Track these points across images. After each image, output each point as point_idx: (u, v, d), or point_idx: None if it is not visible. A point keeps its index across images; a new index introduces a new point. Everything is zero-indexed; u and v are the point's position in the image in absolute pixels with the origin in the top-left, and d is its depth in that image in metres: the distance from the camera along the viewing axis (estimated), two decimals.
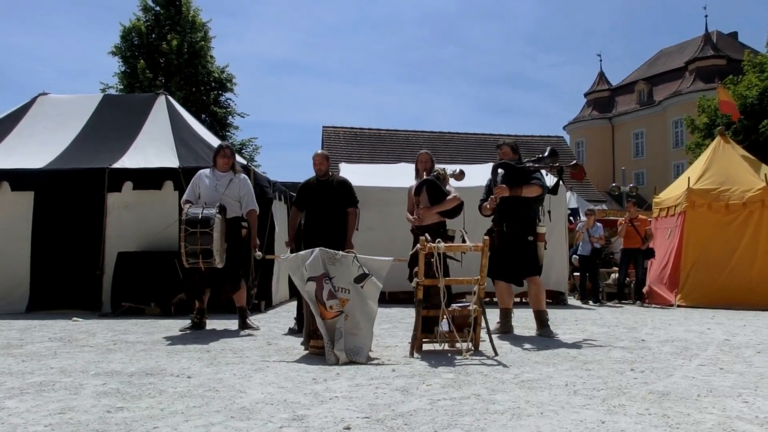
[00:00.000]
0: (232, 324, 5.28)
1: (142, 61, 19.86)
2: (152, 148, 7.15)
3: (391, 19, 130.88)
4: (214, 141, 7.68)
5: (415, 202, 4.85)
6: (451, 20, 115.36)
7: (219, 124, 21.71)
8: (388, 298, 7.85)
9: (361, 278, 3.61)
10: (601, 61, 56.10)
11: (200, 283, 5.07)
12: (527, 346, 4.17)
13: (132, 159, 6.96)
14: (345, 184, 5.14)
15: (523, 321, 5.43)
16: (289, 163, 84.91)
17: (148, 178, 6.76)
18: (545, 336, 4.68)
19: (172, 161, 6.83)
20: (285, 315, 6.49)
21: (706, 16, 50.49)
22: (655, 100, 38.75)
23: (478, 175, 8.84)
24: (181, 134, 7.45)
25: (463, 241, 4.27)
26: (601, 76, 43.21)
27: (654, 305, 8.83)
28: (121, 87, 20.61)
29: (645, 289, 9.29)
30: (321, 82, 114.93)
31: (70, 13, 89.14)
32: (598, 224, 9.98)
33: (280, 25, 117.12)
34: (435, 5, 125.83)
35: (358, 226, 5.13)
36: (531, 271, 4.77)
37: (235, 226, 5.06)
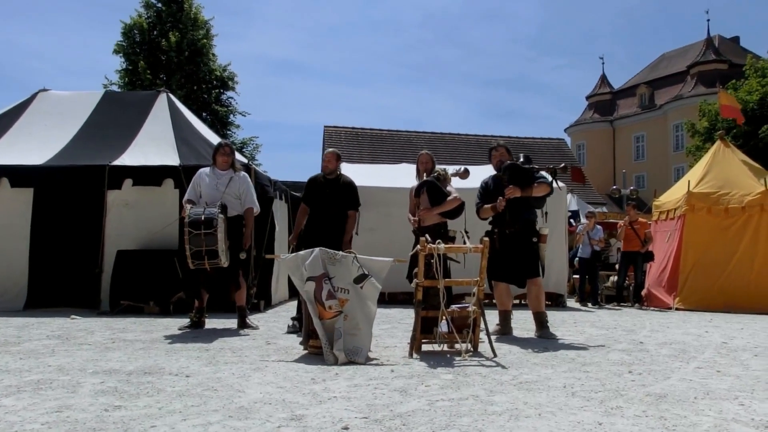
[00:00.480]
0: (231, 323, 5.28)
1: (142, 62, 19.85)
2: (153, 145, 7.14)
3: (393, 20, 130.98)
4: (215, 139, 7.65)
5: (416, 203, 4.84)
6: (453, 22, 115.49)
7: (220, 123, 21.70)
8: (388, 299, 7.86)
9: (360, 279, 3.61)
10: (603, 64, 56.18)
11: (205, 283, 5.06)
12: (526, 347, 4.17)
13: (132, 156, 6.94)
14: (350, 186, 5.14)
15: (522, 322, 5.44)
16: (290, 163, 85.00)
17: (148, 176, 6.74)
18: (544, 337, 4.69)
19: (172, 159, 6.82)
20: (284, 315, 6.49)
21: (708, 20, 50.36)
22: (656, 104, 38.80)
23: (478, 176, 8.84)
24: (182, 132, 7.43)
25: (464, 242, 4.27)
26: (603, 79, 43.25)
27: (652, 308, 8.84)
28: (123, 84, 20.60)
29: (644, 292, 9.30)
30: (322, 82, 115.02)
31: (72, 11, 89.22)
32: (598, 227, 9.99)
33: (282, 25, 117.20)
34: (437, 7, 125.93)
35: (357, 230, 5.14)
36: (533, 273, 4.78)
37: (236, 224, 5.06)
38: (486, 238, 3.86)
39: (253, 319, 5.39)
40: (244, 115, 25.84)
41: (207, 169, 5.22)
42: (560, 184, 5.35)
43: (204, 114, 20.49)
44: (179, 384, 2.80)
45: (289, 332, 4.81)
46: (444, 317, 3.76)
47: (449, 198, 4.74)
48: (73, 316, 5.88)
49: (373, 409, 2.36)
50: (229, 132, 22.54)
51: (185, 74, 20.73)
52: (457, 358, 3.57)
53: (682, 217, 8.87)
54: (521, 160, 4.88)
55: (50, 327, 5.06)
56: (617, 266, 10.25)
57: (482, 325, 3.80)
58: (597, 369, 3.33)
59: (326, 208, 4.98)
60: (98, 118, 7.81)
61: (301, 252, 3.78)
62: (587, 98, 43.69)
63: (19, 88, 78.50)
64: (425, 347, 3.87)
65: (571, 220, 10.85)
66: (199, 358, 3.55)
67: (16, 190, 6.81)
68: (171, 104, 8.00)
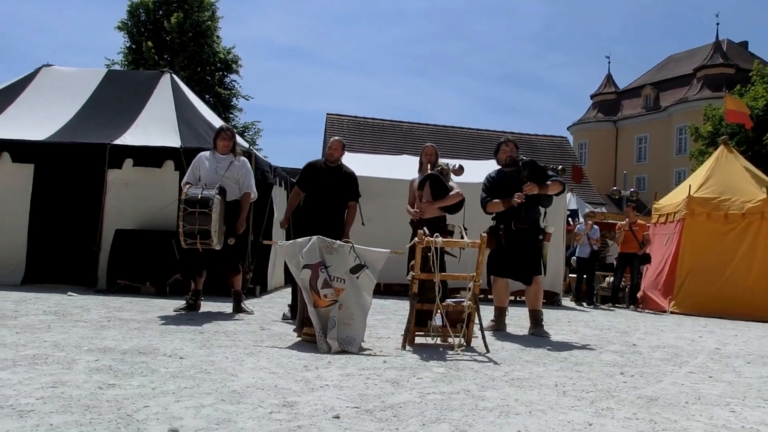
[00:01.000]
0: (227, 307, 5.29)
1: (149, 42, 19.71)
2: (155, 126, 7.11)
3: (399, 10, 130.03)
4: (218, 122, 7.63)
5: (418, 195, 4.84)
6: (458, 15, 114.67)
7: (223, 106, 21.62)
8: (383, 290, 7.87)
9: (357, 269, 3.61)
10: (609, 63, 55.82)
11: (197, 264, 5.07)
12: (519, 344, 4.18)
13: (134, 136, 6.93)
14: (352, 177, 5.13)
15: (517, 319, 5.46)
16: (291, 149, 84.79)
17: (149, 157, 6.73)
18: (538, 335, 4.70)
19: (174, 140, 6.80)
20: (279, 301, 6.51)
21: (717, 23, 50.05)
22: (661, 106, 38.66)
23: (479, 170, 8.83)
24: (185, 114, 7.40)
25: (462, 237, 4.27)
26: (609, 78, 43.06)
27: (647, 310, 8.87)
28: (126, 63, 20.47)
29: (639, 294, 9.33)
30: (326, 70, 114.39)
31: None
32: (595, 227, 10.00)
33: (287, 11, 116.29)
34: None
35: (363, 220, 5.12)
36: (536, 271, 4.79)
37: (234, 209, 5.05)
38: (484, 234, 3.86)
39: (248, 304, 5.40)
40: (247, 99, 25.72)
41: (207, 153, 5.21)
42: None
43: (207, 96, 20.41)
44: (173, 365, 2.81)
45: (283, 320, 4.82)
46: (438, 311, 3.77)
47: (452, 193, 4.76)
48: (70, 293, 5.89)
49: (365, 399, 2.37)
50: (231, 115, 22.45)
51: (189, 55, 20.58)
52: (450, 352, 3.59)
53: (681, 221, 8.87)
54: (524, 158, 4.87)
55: (47, 303, 5.08)
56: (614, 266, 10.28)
57: (476, 320, 3.81)
58: (589, 369, 3.34)
59: (326, 196, 4.96)
60: (101, 96, 7.77)
61: (299, 239, 3.78)
62: (592, 97, 43.53)
63: (21, 61, 77.92)
64: (418, 340, 3.89)
65: (570, 219, 10.86)
66: (194, 340, 3.56)
67: (17, 165, 6.81)
68: (174, 85, 7.96)
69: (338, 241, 3.74)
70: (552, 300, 8.65)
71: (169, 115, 7.31)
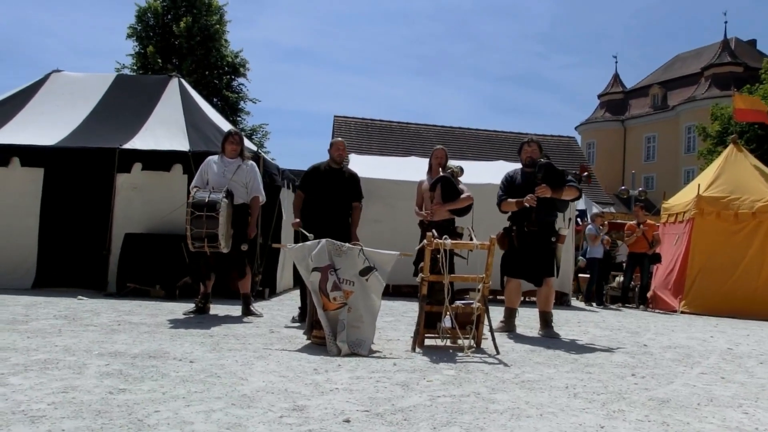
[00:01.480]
0: (236, 310, 5.31)
1: (151, 46, 19.84)
2: (163, 130, 7.16)
3: (405, 11, 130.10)
4: (226, 126, 7.67)
5: (430, 197, 4.85)
6: (464, 15, 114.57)
7: (230, 109, 21.71)
8: (392, 291, 7.86)
9: (366, 271, 3.61)
10: (616, 62, 55.67)
11: (204, 268, 5.09)
12: (529, 345, 4.16)
13: (142, 140, 6.97)
14: (355, 178, 5.13)
15: (526, 320, 5.43)
16: (299, 151, 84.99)
17: (157, 161, 6.77)
18: (548, 336, 4.68)
19: (182, 144, 6.84)
20: (288, 303, 6.51)
21: (725, 22, 49.80)
22: (668, 105, 38.43)
23: (485, 172, 8.81)
24: (193, 118, 7.44)
25: (470, 238, 4.26)
26: (616, 78, 42.87)
27: (657, 310, 8.80)
28: (136, 67, 20.63)
29: (649, 294, 9.26)
30: (333, 71, 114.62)
31: None
32: (600, 226, 9.95)
33: (293, 13, 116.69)
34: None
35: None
36: (548, 273, 4.77)
37: (242, 212, 5.07)
38: (493, 236, 3.85)
39: (257, 306, 5.41)
40: (255, 102, 25.76)
41: (215, 157, 5.23)
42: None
43: (215, 100, 20.50)
44: (183, 369, 2.82)
45: (293, 323, 4.82)
46: (448, 312, 3.75)
47: (463, 196, 4.78)
48: (80, 297, 5.93)
49: (375, 402, 2.37)
50: (239, 118, 22.54)
51: (196, 59, 20.70)
52: (460, 354, 3.57)
53: (690, 221, 8.79)
54: (537, 170, 4.81)
55: (57, 307, 5.11)
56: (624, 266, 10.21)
57: (486, 322, 3.80)
58: (600, 370, 3.32)
59: (330, 199, 4.96)
60: (110, 100, 7.83)
61: (308, 242, 3.78)
62: (599, 97, 43.35)
63: (32, 66, 78.81)
64: (428, 342, 3.88)
65: (578, 220, 10.81)
66: (203, 344, 3.57)
67: (26, 170, 6.87)
68: (182, 89, 8.00)
69: (347, 244, 3.74)
70: (561, 300, 8.60)
71: (178, 119, 7.36)
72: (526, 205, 4.63)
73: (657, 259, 9.20)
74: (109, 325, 4.15)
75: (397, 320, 5.31)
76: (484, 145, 24.77)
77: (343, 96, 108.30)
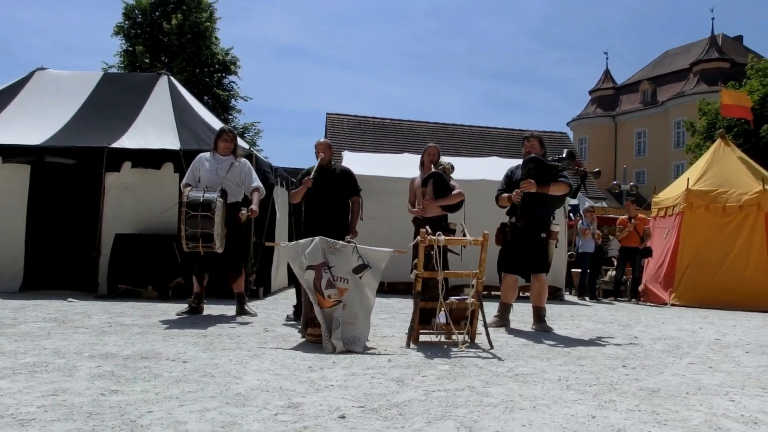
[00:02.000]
0: (229, 309, 5.28)
1: (140, 46, 19.63)
2: (153, 128, 7.04)
3: (399, 8, 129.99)
4: (216, 124, 7.59)
5: (422, 193, 4.86)
6: (459, 13, 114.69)
7: (221, 107, 21.53)
8: (387, 289, 7.87)
9: (360, 269, 3.61)
10: (607, 58, 55.79)
11: (198, 267, 5.06)
12: (523, 340, 4.19)
13: (132, 139, 6.86)
14: (348, 174, 5.11)
15: (520, 315, 5.46)
16: (291, 150, 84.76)
17: (147, 159, 6.66)
18: (541, 330, 4.71)
19: (172, 143, 6.75)
20: (283, 302, 6.50)
21: (713, 18, 50.15)
22: (658, 101, 38.74)
23: (479, 168, 8.84)
24: (183, 116, 7.34)
25: (464, 235, 4.28)
26: (607, 74, 43.13)
27: (648, 303, 8.88)
28: (123, 66, 20.41)
29: (640, 288, 9.34)
30: (326, 69, 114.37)
31: None
32: (590, 221, 10.01)
33: (286, 10, 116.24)
34: None
35: (362, 215, 5.12)
36: (539, 268, 4.79)
37: (235, 211, 5.03)
38: (486, 231, 3.87)
39: (251, 306, 5.39)
40: (246, 100, 25.60)
41: (207, 154, 5.18)
42: (585, 188, 5.29)
43: (205, 98, 20.34)
44: (176, 369, 2.80)
45: (287, 322, 4.81)
46: (442, 308, 3.77)
47: (454, 192, 4.79)
48: (70, 299, 5.87)
49: (370, 398, 2.37)
50: (230, 117, 22.38)
51: (187, 57, 20.51)
52: (454, 350, 3.59)
53: (680, 214, 8.89)
54: (563, 155, 4.81)
55: (47, 309, 5.05)
56: (615, 261, 10.28)
57: (480, 317, 3.82)
58: (592, 363, 3.35)
59: (325, 199, 4.95)
60: (97, 99, 7.68)
61: (301, 240, 3.78)
62: (590, 93, 43.58)
63: (16, 64, 77.76)
64: (423, 338, 3.89)
65: (571, 214, 10.86)
66: (197, 344, 3.55)
67: (12, 171, 6.71)
68: (172, 87, 7.90)
69: (341, 242, 3.74)
70: (554, 295, 8.64)
71: (167, 118, 7.25)
72: (513, 200, 4.67)
73: (648, 253, 9.28)
74: (100, 327, 4.12)
75: (392, 317, 5.32)
76: (478, 141, 24.81)
77: (336, 93, 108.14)
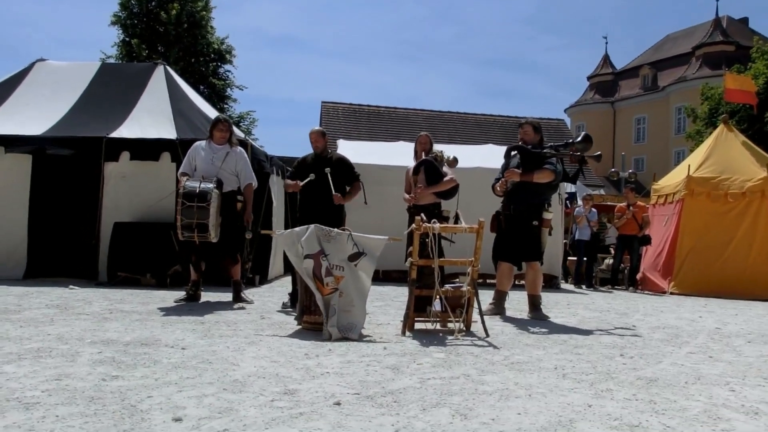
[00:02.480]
0: (227, 297, 5.31)
1: (136, 39, 19.52)
2: (150, 118, 7.10)
3: None
4: (212, 113, 7.60)
5: (413, 181, 4.87)
6: None
7: (217, 96, 21.46)
8: (382, 277, 7.90)
9: (355, 256, 3.62)
10: (606, 43, 55.30)
11: (195, 255, 5.09)
12: (518, 328, 4.21)
13: (129, 129, 6.92)
14: (344, 161, 5.11)
15: (516, 303, 5.48)
16: (286, 138, 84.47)
17: (145, 149, 6.73)
18: (537, 319, 4.73)
19: (169, 132, 6.79)
20: (279, 290, 6.53)
21: (717, 0, 49.35)
22: (659, 86, 38.43)
23: (474, 156, 8.81)
24: (179, 105, 7.38)
25: (458, 221, 4.29)
26: (606, 59, 42.75)
27: (647, 292, 8.89)
28: (120, 57, 20.30)
29: (639, 276, 9.35)
30: (320, 58, 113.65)
31: None
32: (593, 209, 10.01)
33: (279, 0, 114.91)
34: None
35: (366, 199, 5.11)
36: (531, 256, 4.79)
37: (230, 200, 5.05)
38: (481, 219, 3.87)
39: (248, 293, 5.42)
40: (241, 89, 25.49)
41: (203, 143, 5.19)
42: (583, 173, 5.31)
43: (201, 87, 20.24)
44: (175, 356, 2.83)
45: (283, 309, 4.84)
46: (438, 296, 3.78)
47: (446, 179, 4.79)
48: (71, 286, 5.92)
49: (365, 385, 2.39)
50: (226, 106, 22.29)
51: (183, 47, 20.40)
52: (450, 338, 3.61)
53: (680, 202, 8.84)
54: (579, 139, 4.80)
55: (49, 296, 5.10)
56: (612, 249, 10.30)
57: (475, 305, 3.83)
58: (589, 351, 3.36)
59: (321, 186, 4.94)
60: (95, 89, 7.74)
61: (297, 228, 3.79)
62: (588, 78, 43.28)
63: (14, 57, 77.30)
64: (418, 326, 3.91)
65: (568, 202, 10.86)
66: (195, 330, 3.58)
67: (14, 161, 6.80)
68: (168, 77, 7.92)
69: (335, 230, 3.75)
70: (551, 283, 8.68)
71: (164, 107, 7.30)
72: (500, 189, 4.70)
73: (647, 240, 9.26)
74: (100, 314, 4.15)
75: (387, 305, 5.34)
76: (473, 129, 24.73)
77: (331, 82, 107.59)
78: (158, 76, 7.87)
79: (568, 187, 11.98)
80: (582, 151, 4.72)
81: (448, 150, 5.40)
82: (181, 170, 5.09)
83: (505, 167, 4.93)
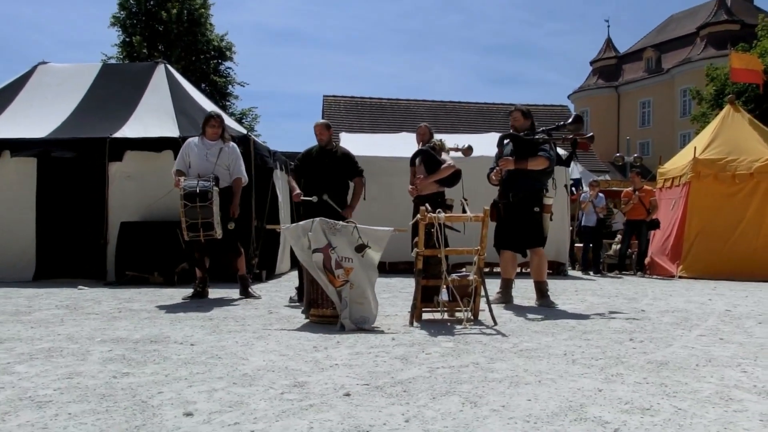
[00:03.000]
0: (234, 293, 5.33)
1: (137, 36, 19.55)
2: (152, 117, 7.13)
3: None
4: (214, 110, 7.61)
5: (412, 173, 4.87)
6: None
7: (219, 94, 21.50)
8: (388, 269, 7.90)
9: (361, 248, 3.62)
10: (608, 27, 54.68)
11: (198, 253, 5.12)
12: (527, 315, 4.20)
13: (132, 128, 6.95)
14: (348, 156, 5.11)
15: (523, 291, 5.47)
16: (289, 133, 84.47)
17: (149, 148, 6.75)
18: (545, 306, 4.72)
19: (172, 130, 6.82)
20: (286, 285, 6.55)
21: None
22: (663, 68, 38.00)
23: (478, 144, 8.75)
24: (181, 103, 7.41)
25: (464, 210, 4.27)
26: (609, 43, 42.31)
27: (655, 276, 8.85)
28: (121, 57, 20.36)
29: (647, 261, 9.30)
30: (321, 51, 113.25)
31: None
32: (601, 195, 9.94)
33: None
34: None
35: (365, 195, 5.13)
36: (535, 242, 4.78)
37: (226, 195, 5.08)
38: (487, 207, 3.86)
39: (255, 288, 5.45)
40: (243, 86, 25.54)
41: (195, 139, 5.21)
42: (576, 156, 5.27)
43: (203, 85, 20.29)
44: (184, 352, 2.84)
45: (290, 303, 4.85)
46: (445, 286, 3.78)
47: (443, 166, 4.77)
48: (80, 287, 5.96)
49: (375, 376, 2.39)
50: (228, 103, 22.33)
51: (183, 45, 20.41)
52: (458, 327, 3.61)
53: (687, 185, 8.76)
54: (570, 120, 4.76)
55: (59, 297, 5.14)
56: (620, 234, 10.24)
57: (483, 294, 3.82)
58: (598, 337, 3.35)
59: (325, 179, 4.94)
60: (97, 90, 7.78)
61: (302, 222, 3.79)
62: (591, 63, 42.89)
63: (18, 61, 77.64)
64: (426, 316, 3.91)
65: (573, 189, 10.79)
66: (203, 327, 3.60)
67: (19, 164, 6.84)
68: (169, 75, 7.95)
69: (340, 222, 3.75)
70: (558, 270, 8.65)
71: (166, 106, 7.32)
72: (494, 179, 4.67)
73: (655, 225, 9.18)
74: (110, 313, 4.18)
75: (395, 296, 5.34)
76: (476, 117, 24.62)
77: (332, 76, 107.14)
78: (159, 75, 7.89)
79: (573, 173, 11.91)
80: (574, 132, 4.69)
81: (456, 139, 5.40)
82: (175, 167, 5.12)
83: (499, 156, 4.91)
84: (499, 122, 23.11)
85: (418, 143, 5.06)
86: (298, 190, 4.92)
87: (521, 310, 4.49)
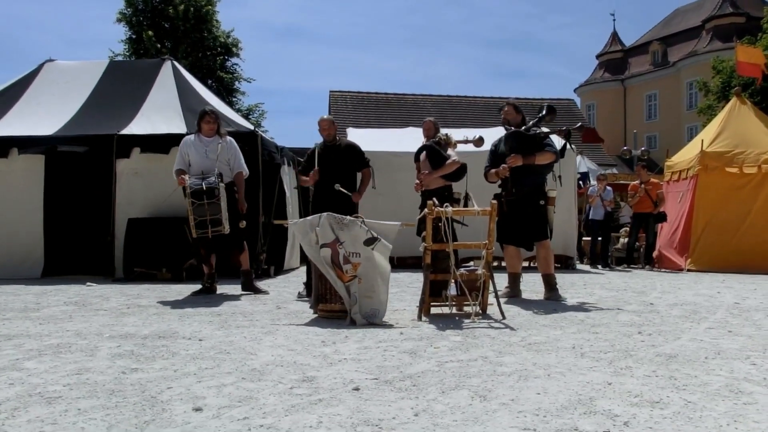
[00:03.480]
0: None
1: (148, 31, 19.57)
2: (159, 113, 7.15)
3: None
4: (221, 106, 7.63)
5: (417, 167, 4.87)
6: None
7: (225, 90, 21.50)
8: (396, 263, 7.90)
9: (370, 241, 3.61)
10: (614, 20, 54.18)
11: (205, 248, 5.13)
12: (535, 309, 4.19)
13: (140, 125, 6.96)
14: (353, 148, 5.11)
15: (531, 285, 5.45)
16: (296, 129, 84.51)
17: (156, 144, 6.75)
18: (553, 300, 4.70)
19: (179, 127, 6.83)
20: (294, 280, 6.56)
21: None
22: (669, 61, 37.71)
23: (489, 136, 8.71)
24: (188, 100, 7.41)
25: (466, 204, 4.27)
26: (614, 36, 42.00)
27: (663, 269, 8.81)
28: (128, 54, 20.40)
29: (655, 254, 9.25)
30: (326, 47, 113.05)
31: None
32: (608, 188, 9.89)
33: None
34: None
35: (374, 184, 5.13)
36: (541, 235, 4.76)
37: (230, 190, 5.08)
38: (494, 201, 3.84)
39: (263, 284, 5.45)
40: (249, 82, 25.49)
41: (192, 137, 5.21)
42: (572, 146, 5.27)
43: (209, 81, 20.28)
44: (193, 347, 2.85)
45: (299, 299, 4.86)
46: (453, 280, 3.77)
47: (448, 161, 4.77)
48: (88, 283, 5.99)
49: (383, 370, 2.39)
50: (234, 99, 22.34)
51: (191, 42, 20.44)
52: (466, 321, 3.60)
53: (694, 178, 8.72)
54: (543, 112, 4.77)
55: (67, 294, 5.18)
56: (628, 228, 10.19)
57: (491, 288, 3.81)
58: (606, 330, 3.34)
59: (332, 174, 4.94)
60: (104, 87, 7.81)
61: (309, 217, 3.79)
62: (597, 57, 42.58)
63: (24, 60, 77.94)
64: (434, 310, 3.91)
65: (581, 182, 10.74)
66: (212, 322, 3.61)
67: (27, 162, 6.87)
68: (176, 72, 7.96)
69: (348, 217, 3.74)
70: (566, 264, 8.62)
71: (173, 102, 7.33)
72: (501, 176, 4.66)
73: (662, 218, 9.14)
74: (118, 309, 4.20)
75: (403, 291, 5.34)
76: (482, 112, 24.53)
77: (338, 71, 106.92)
78: (166, 72, 7.90)
79: (580, 167, 11.84)
80: (550, 122, 4.71)
81: (465, 131, 5.38)
82: (175, 167, 5.11)
83: (496, 153, 4.89)
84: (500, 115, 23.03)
85: (425, 138, 5.05)
86: (307, 178, 4.97)
87: (530, 304, 4.47)
